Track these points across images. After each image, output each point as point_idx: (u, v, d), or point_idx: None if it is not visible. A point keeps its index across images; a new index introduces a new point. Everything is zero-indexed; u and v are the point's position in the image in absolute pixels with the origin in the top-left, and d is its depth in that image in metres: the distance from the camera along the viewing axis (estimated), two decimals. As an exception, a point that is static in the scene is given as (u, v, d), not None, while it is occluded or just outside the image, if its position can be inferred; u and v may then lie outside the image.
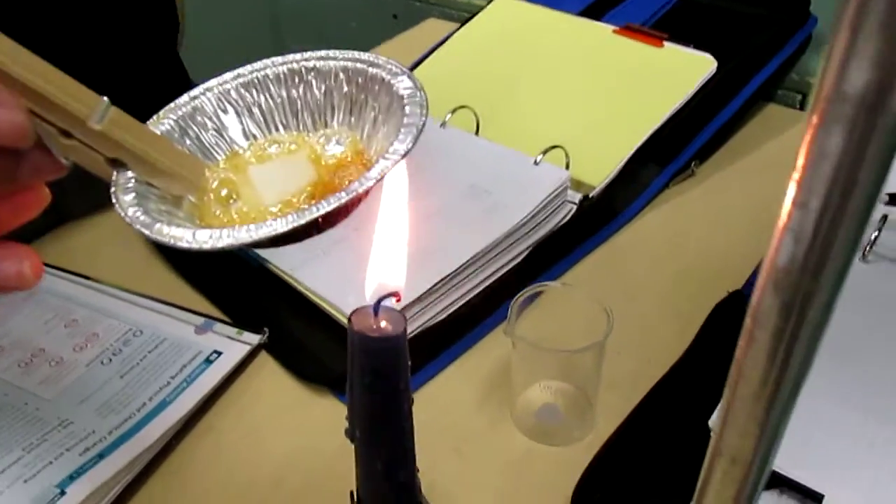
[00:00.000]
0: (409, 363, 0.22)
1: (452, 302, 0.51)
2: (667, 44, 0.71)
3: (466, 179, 0.57)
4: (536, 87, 0.72)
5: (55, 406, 0.47)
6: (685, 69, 0.68)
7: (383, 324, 0.22)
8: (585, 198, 0.58)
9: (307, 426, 0.47)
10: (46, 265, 0.58)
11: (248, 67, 0.27)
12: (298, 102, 0.27)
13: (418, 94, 0.25)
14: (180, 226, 0.22)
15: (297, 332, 0.52)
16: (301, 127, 0.27)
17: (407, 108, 0.25)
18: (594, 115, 0.67)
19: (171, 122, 0.26)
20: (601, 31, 0.74)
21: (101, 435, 0.45)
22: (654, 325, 0.52)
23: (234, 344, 0.51)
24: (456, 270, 0.50)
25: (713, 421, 0.41)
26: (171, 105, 0.26)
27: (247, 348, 0.50)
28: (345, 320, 0.49)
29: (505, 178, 0.57)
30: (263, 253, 0.54)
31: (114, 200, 0.23)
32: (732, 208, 0.62)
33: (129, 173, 0.23)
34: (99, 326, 0.53)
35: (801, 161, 0.11)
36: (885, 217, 0.54)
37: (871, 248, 0.53)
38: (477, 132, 0.66)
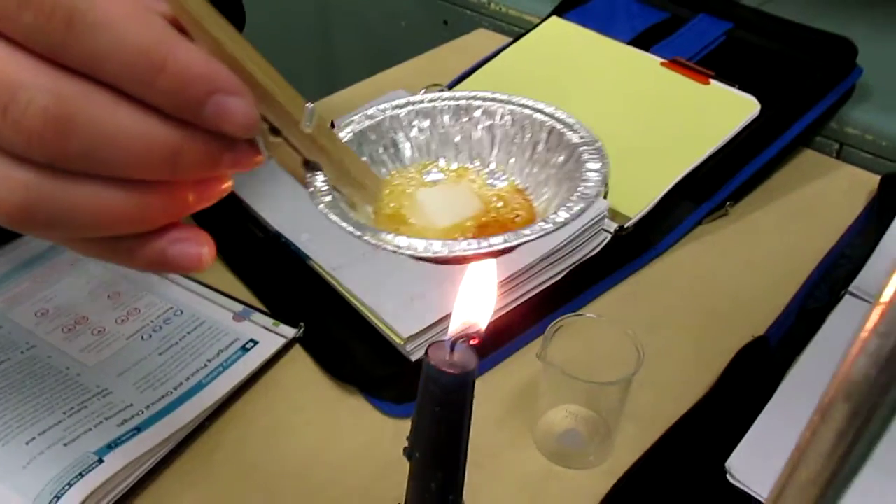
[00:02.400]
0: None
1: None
2: (713, 82, 0.72)
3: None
4: (582, 111, 0.73)
5: (96, 374, 0.49)
6: (729, 109, 0.70)
7: (456, 360, 0.23)
8: (620, 228, 0.60)
9: (335, 425, 0.49)
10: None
11: (420, 97, 0.29)
12: (461, 136, 0.29)
13: (598, 150, 0.26)
14: (388, 233, 0.23)
15: (332, 331, 0.54)
16: (461, 159, 0.29)
17: (586, 164, 0.26)
18: (636, 145, 0.69)
19: (350, 135, 0.28)
20: (649, 63, 0.76)
21: (139, 409, 0.47)
22: (676, 360, 0.53)
23: (269, 335, 0.52)
24: (491, 287, 0.51)
25: (730, 463, 0.42)
26: (349, 119, 0.28)
27: (282, 341, 0.52)
28: (380, 325, 0.51)
29: (545, 201, 0.58)
30: (308, 250, 0.56)
31: (315, 202, 0.25)
32: (762, 251, 0.64)
33: (321, 177, 0.25)
34: (141, 301, 0.55)
35: (888, 295, 0.13)
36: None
37: None
38: (520, 150, 0.67)
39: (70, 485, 0.42)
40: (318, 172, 0.25)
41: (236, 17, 0.81)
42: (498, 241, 0.23)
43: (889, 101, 0.76)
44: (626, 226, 0.60)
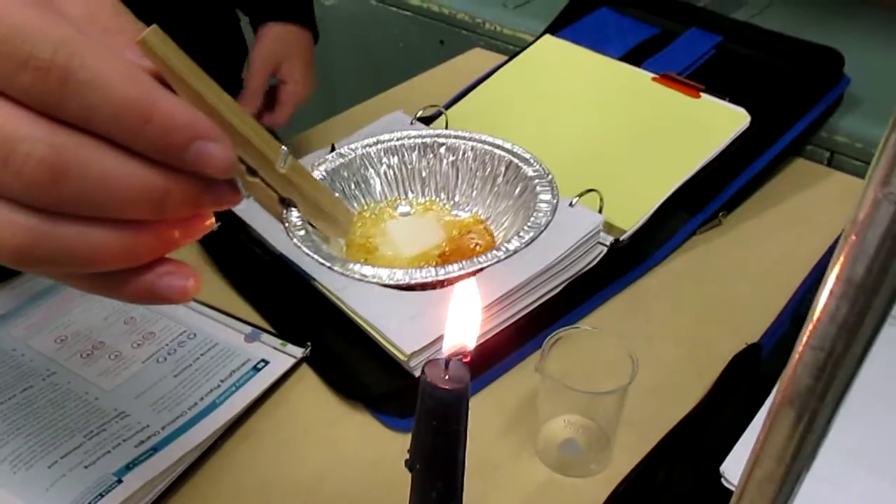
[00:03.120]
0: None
1: (483, 333, 0.55)
2: (703, 95, 0.74)
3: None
4: (575, 128, 0.75)
5: (113, 397, 0.51)
6: (720, 122, 0.72)
7: (450, 376, 0.25)
8: (616, 241, 0.62)
9: (342, 440, 0.51)
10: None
11: (388, 136, 0.31)
12: (427, 171, 0.31)
13: (549, 183, 0.28)
14: (354, 264, 0.25)
15: (337, 349, 0.56)
16: (428, 193, 0.31)
17: (539, 196, 0.28)
18: (629, 159, 0.71)
19: (323, 173, 0.30)
20: (641, 78, 0.78)
21: (155, 429, 0.49)
22: (672, 368, 0.55)
23: (279, 355, 0.54)
24: (489, 304, 0.53)
25: (724, 467, 0.44)
26: (322, 159, 0.30)
27: (291, 360, 0.54)
28: (384, 342, 0.53)
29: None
30: (312, 271, 0.58)
31: (290, 236, 0.27)
32: (755, 260, 0.65)
33: (295, 213, 0.27)
34: (155, 326, 0.57)
35: (818, 312, 0.14)
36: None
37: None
38: (516, 168, 0.69)
39: (91, 505, 0.44)
40: (293, 208, 0.27)
41: (238, 49, 0.84)
42: (454, 269, 0.25)
43: (877, 109, 0.78)
44: (621, 238, 0.62)
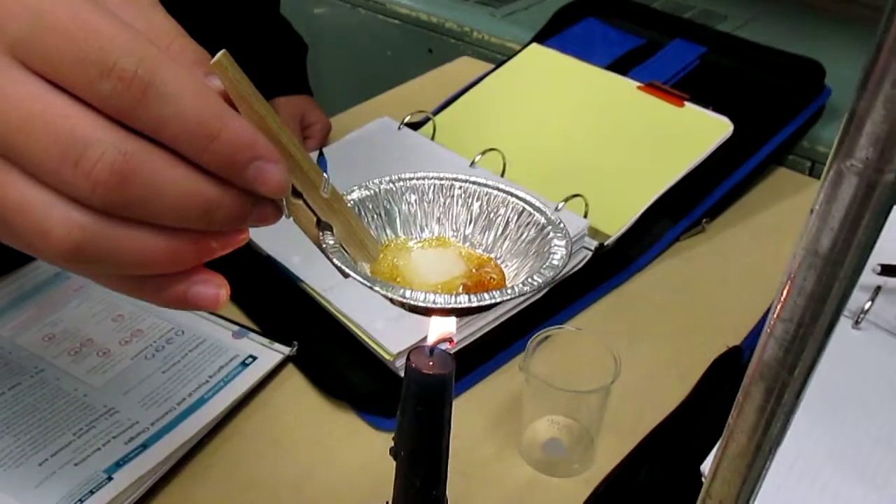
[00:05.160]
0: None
1: (469, 335, 0.55)
2: (687, 104, 0.75)
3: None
4: (561, 135, 0.76)
5: (102, 394, 0.51)
6: (703, 130, 0.73)
7: (435, 363, 0.26)
8: (600, 246, 0.63)
9: (328, 439, 0.51)
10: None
11: (409, 175, 0.33)
12: (443, 210, 0.33)
13: (562, 230, 0.30)
14: (395, 287, 0.27)
15: (323, 349, 0.56)
16: (443, 231, 0.33)
17: (553, 242, 0.30)
18: (614, 166, 0.72)
19: (351, 203, 0.31)
20: (626, 87, 0.79)
21: (145, 426, 0.49)
22: (655, 371, 0.56)
23: (267, 351, 0.55)
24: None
25: (705, 467, 0.45)
26: (350, 190, 0.32)
27: (279, 356, 0.54)
28: (370, 342, 0.54)
29: (528, 221, 0.61)
30: (298, 272, 0.59)
31: (329, 257, 0.28)
32: (737, 265, 0.67)
33: (330, 237, 0.29)
34: (143, 323, 0.57)
35: (786, 288, 0.15)
36: (878, 287, 0.59)
37: (863, 315, 0.57)
38: (503, 174, 0.70)
39: (81, 501, 0.44)
40: (328, 232, 0.29)
41: (298, 46, 0.87)
42: (487, 297, 0.26)
43: (856, 120, 0.80)
44: (605, 244, 0.63)
